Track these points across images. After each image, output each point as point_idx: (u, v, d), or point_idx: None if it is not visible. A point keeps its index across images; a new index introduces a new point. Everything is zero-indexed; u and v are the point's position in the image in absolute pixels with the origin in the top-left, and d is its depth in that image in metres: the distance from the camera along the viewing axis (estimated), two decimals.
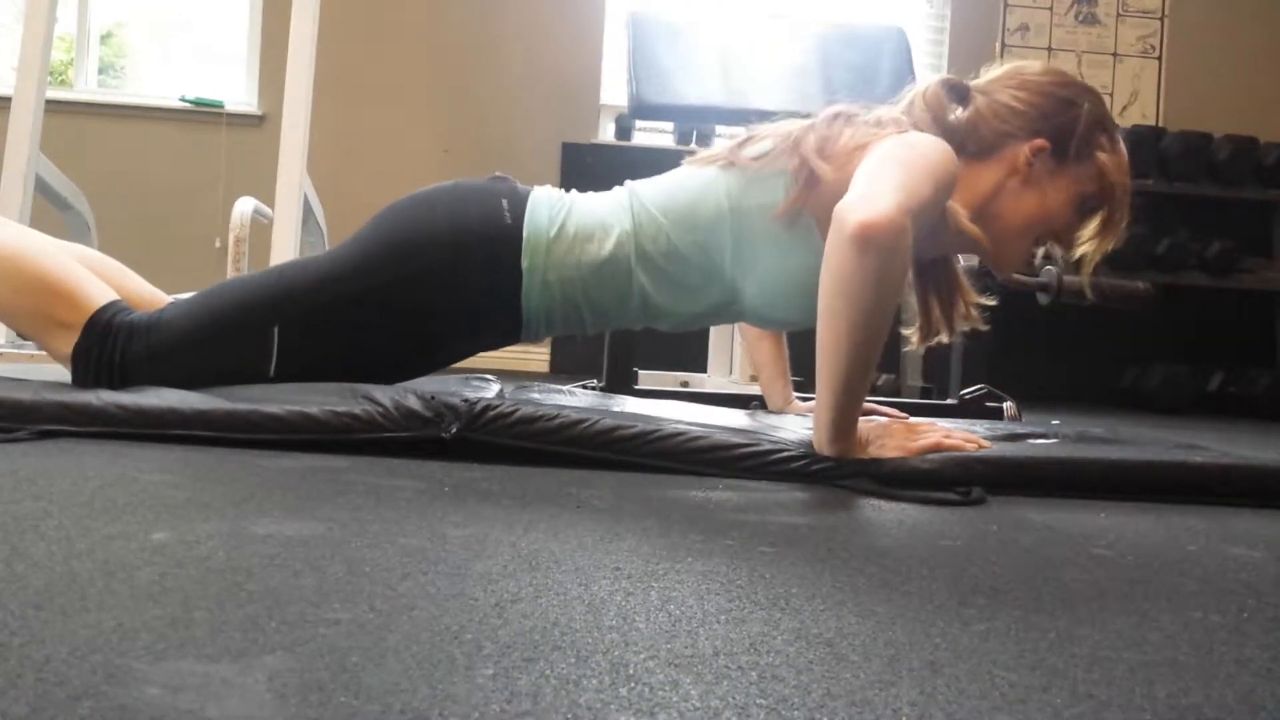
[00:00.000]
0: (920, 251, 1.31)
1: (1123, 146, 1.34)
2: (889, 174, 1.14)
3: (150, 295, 1.48)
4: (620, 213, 1.34)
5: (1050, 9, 4.51)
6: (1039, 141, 1.29)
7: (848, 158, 1.25)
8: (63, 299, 1.33)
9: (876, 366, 1.15)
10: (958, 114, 1.33)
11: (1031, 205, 1.32)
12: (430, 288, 1.32)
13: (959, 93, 1.35)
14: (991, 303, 1.46)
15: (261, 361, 1.31)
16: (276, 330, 1.31)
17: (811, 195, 1.27)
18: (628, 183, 1.41)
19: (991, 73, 1.37)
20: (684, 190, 1.35)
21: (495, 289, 1.33)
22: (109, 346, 1.31)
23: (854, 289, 1.09)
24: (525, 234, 1.32)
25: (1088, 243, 1.35)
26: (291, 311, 1.32)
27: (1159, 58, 4.55)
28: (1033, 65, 1.38)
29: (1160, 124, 4.40)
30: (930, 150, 1.21)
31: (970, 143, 1.31)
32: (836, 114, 1.32)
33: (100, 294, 1.35)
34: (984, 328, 1.46)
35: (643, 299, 1.35)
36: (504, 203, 1.34)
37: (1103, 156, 1.31)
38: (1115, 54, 4.54)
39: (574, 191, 1.41)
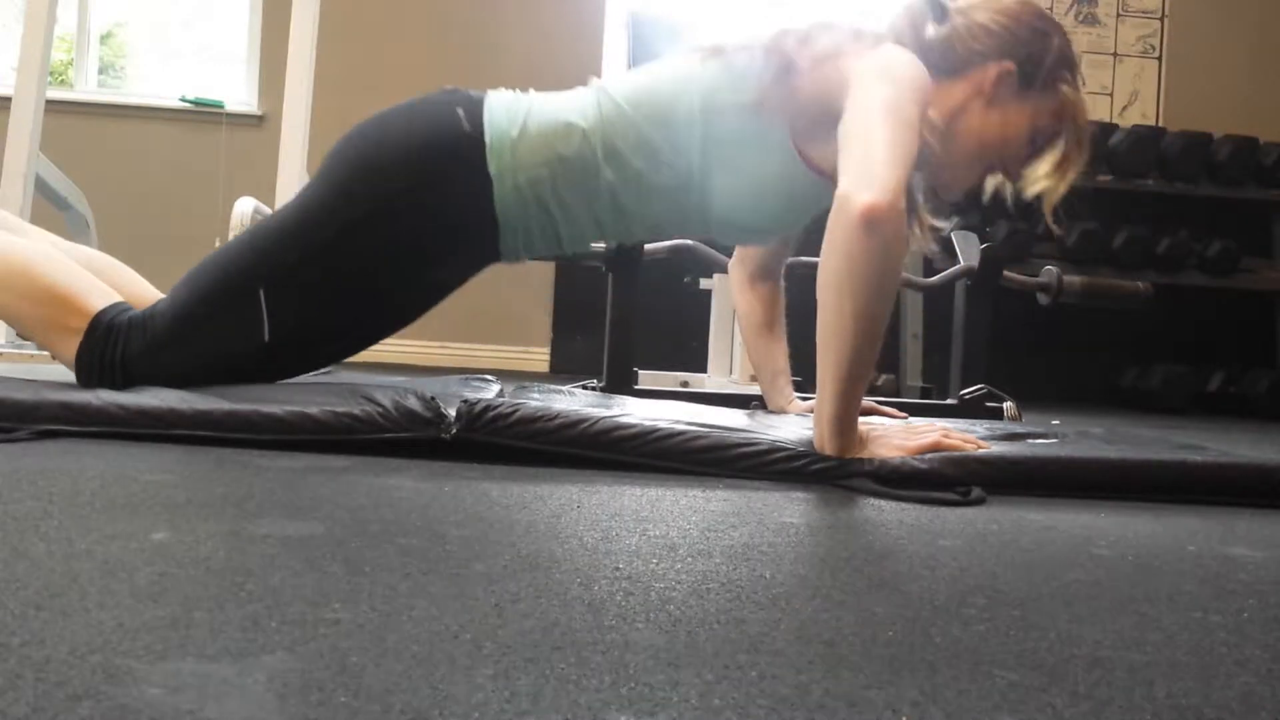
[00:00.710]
0: None
1: (1081, 90, 1.37)
2: (882, 135, 1.14)
3: (151, 295, 1.48)
4: (586, 108, 1.34)
5: (1050, 9, 4.51)
6: (1007, 64, 1.31)
7: (823, 61, 1.27)
8: (68, 305, 1.33)
9: (877, 359, 1.15)
10: (934, 30, 1.34)
11: (991, 128, 1.33)
12: (402, 211, 1.31)
13: (939, 10, 1.35)
14: (943, 226, 1.48)
15: (255, 329, 1.31)
16: (262, 293, 1.30)
17: (783, 91, 1.29)
18: (593, 80, 1.40)
19: None
20: (658, 83, 1.35)
21: (467, 198, 1.32)
22: (111, 346, 1.32)
23: (860, 270, 1.09)
24: (488, 138, 1.31)
25: (1044, 180, 1.36)
26: (272, 270, 1.31)
27: (1159, 58, 4.55)
28: None
29: (1160, 124, 4.40)
30: (906, 77, 1.22)
31: (943, 60, 1.32)
32: (817, 21, 1.33)
33: (101, 297, 1.36)
34: (933, 248, 1.50)
35: (611, 198, 1.35)
36: (459, 111, 1.33)
37: (1065, 90, 1.33)
38: (1115, 54, 4.54)
39: (532, 91, 1.40)
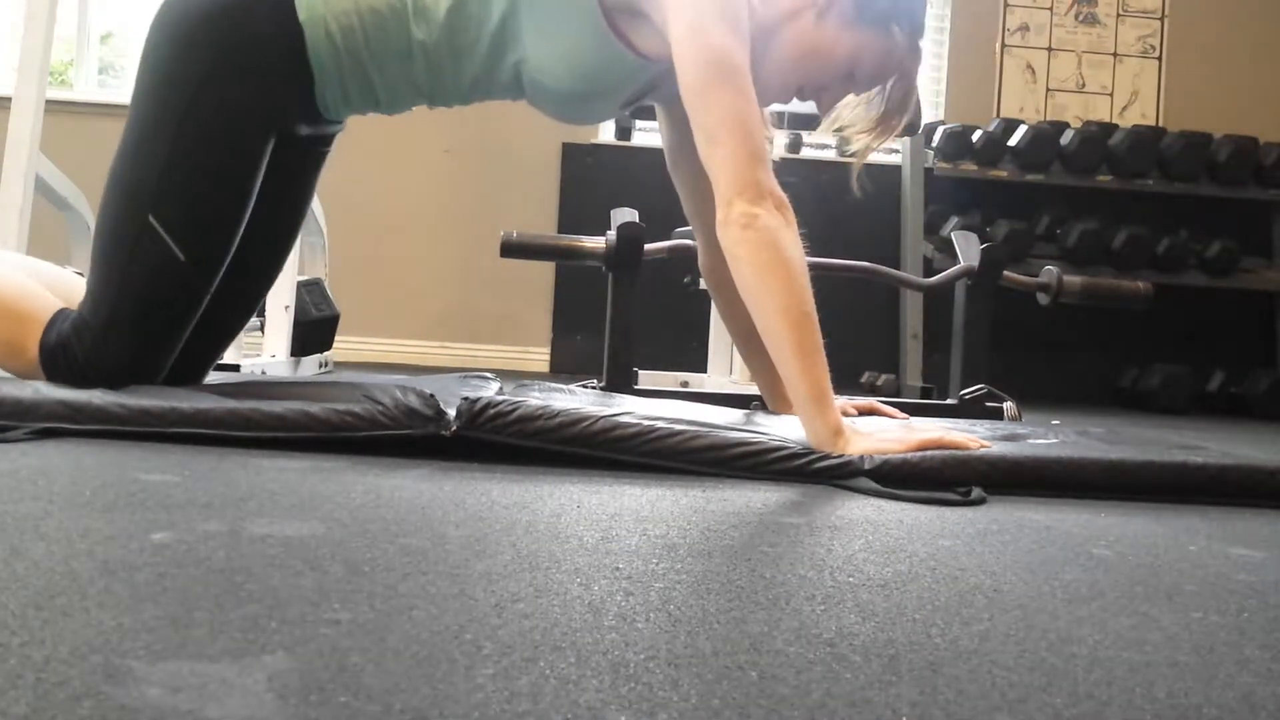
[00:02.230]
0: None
1: (919, 54, 1.38)
2: (727, 145, 1.21)
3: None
4: None
5: (1050, 9, 4.51)
6: None
7: None
8: (22, 322, 1.36)
9: (820, 327, 1.20)
10: None
11: (810, 41, 1.32)
12: (224, 77, 1.32)
13: None
14: (781, 139, 1.51)
15: (168, 257, 1.33)
16: (152, 218, 1.32)
17: None
18: None
19: None
20: None
21: (281, 50, 1.33)
22: (70, 354, 1.33)
23: (760, 268, 1.19)
24: None
25: (862, 134, 1.38)
26: (146, 192, 1.33)
27: (1159, 58, 4.55)
28: None
29: (1160, 124, 4.40)
30: (716, 13, 1.23)
31: None
32: None
33: (44, 307, 1.38)
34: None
35: (424, 56, 1.35)
36: None
37: (897, 37, 1.33)
38: (1115, 54, 4.54)
39: None
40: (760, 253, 1.19)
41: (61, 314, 1.37)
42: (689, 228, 1.70)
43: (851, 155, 1.42)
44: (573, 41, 1.32)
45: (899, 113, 1.37)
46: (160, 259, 1.33)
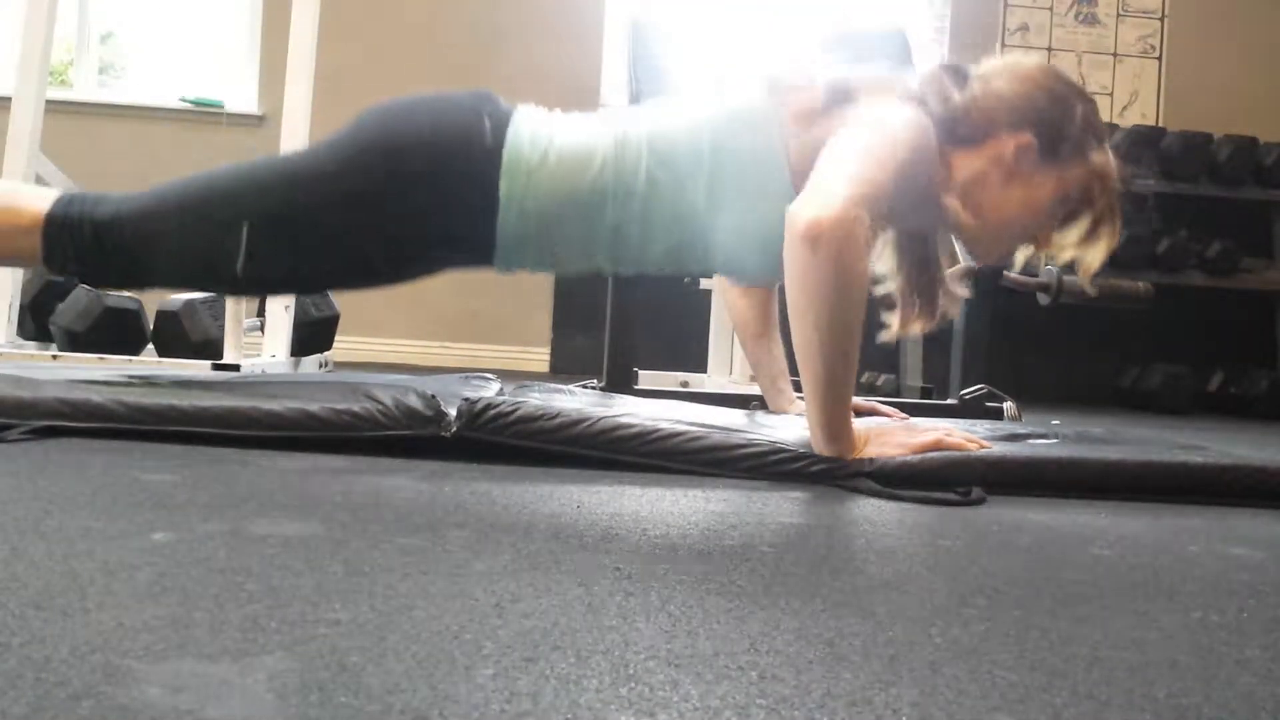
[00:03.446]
0: (905, 224, 1.35)
1: (1112, 156, 1.33)
2: (844, 164, 1.15)
3: None
4: (607, 148, 1.32)
5: (1050, 9, 4.51)
6: (1025, 138, 1.27)
7: (832, 110, 1.26)
8: (12, 210, 1.34)
9: (857, 362, 1.16)
10: (955, 97, 1.31)
11: (1013, 200, 1.30)
12: (407, 200, 1.31)
13: (959, 77, 1.33)
14: (965, 294, 1.47)
15: (229, 261, 1.31)
16: (246, 226, 1.30)
17: (791, 137, 1.27)
18: (615, 112, 1.40)
19: (992, 62, 1.36)
20: (675, 119, 1.34)
21: (471, 208, 1.31)
22: (80, 228, 1.31)
23: (812, 287, 1.11)
24: (505, 158, 1.30)
25: (1074, 248, 1.34)
26: (262, 208, 1.31)
27: (1159, 58, 4.55)
28: (1031, 59, 1.38)
29: (1160, 124, 4.39)
30: (898, 125, 1.21)
31: (962, 128, 1.30)
32: (839, 67, 1.32)
33: (46, 192, 1.38)
34: (952, 315, 1.47)
35: (614, 234, 1.33)
36: (486, 122, 1.32)
37: (1094, 159, 1.30)
38: (1115, 54, 4.54)
39: (558, 112, 1.39)
40: (815, 274, 1.11)
41: (80, 195, 1.36)
42: None
43: (1070, 268, 1.36)
44: (768, 222, 1.26)
45: (1109, 218, 1.32)
46: (217, 251, 1.31)
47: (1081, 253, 1.34)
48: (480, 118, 1.32)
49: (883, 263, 1.43)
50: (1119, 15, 4.55)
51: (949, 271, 1.46)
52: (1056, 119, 1.29)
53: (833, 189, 1.12)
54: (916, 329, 1.44)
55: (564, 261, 1.39)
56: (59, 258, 1.33)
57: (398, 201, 1.31)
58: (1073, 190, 1.31)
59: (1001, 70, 1.33)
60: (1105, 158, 1.32)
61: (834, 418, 1.14)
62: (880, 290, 1.43)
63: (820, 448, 1.16)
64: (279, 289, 1.40)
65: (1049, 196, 1.31)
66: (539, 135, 1.32)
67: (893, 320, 1.44)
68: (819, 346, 1.12)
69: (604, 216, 1.32)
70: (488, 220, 1.31)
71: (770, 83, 1.32)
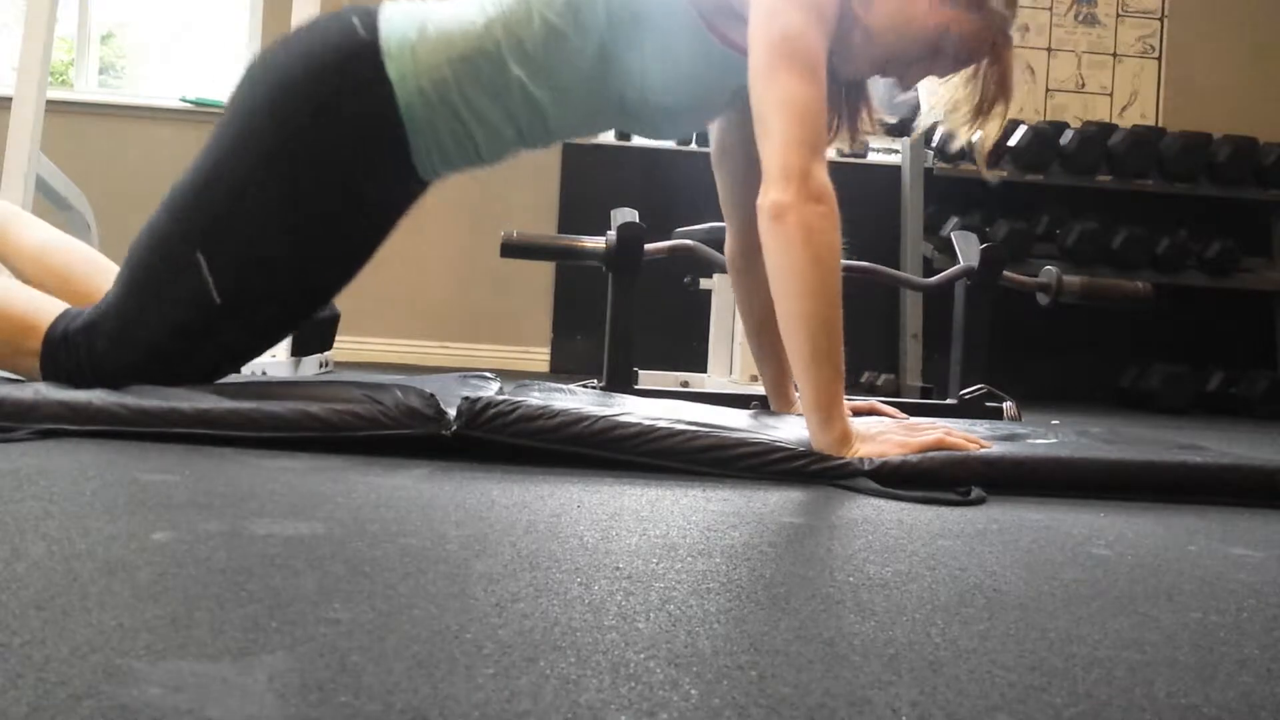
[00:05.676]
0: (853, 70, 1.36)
1: (1010, 40, 1.32)
2: (779, 127, 1.18)
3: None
4: (486, 4, 1.31)
5: (1050, 9, 4.50)
6: None
7: None
8: (19, 328, 1.33)
9: (842, 339, 1.18)
10: None
11: (903, 13, 1.28)
12: (312, 131, 1.29)
13: None
14: (892, 120, 1.47)
15: (203, 294, 1.28)
16: (201, 257, 1.28)
17: None
18: None
19: None
20: None
21: (373, 109, 1.29)
22: (74, 355, 1.30)
23: (788, 261, 1.17)
24: (384, 43, 1.28)
25: (963, 122, 1.35)
26: (203, 230, 1.29)
27: (1159, 58, 4.55)
28: None
29: (1160, 124, 4.39)
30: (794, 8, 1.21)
31: None
32: None
33: (49, 309, 1.34)
34: (873, 135, 1.49)
35: (522, 94, 1.31)
36: (354, 20, 1.31)
37: (995, 9, 1.28)
38: (1115, 54, 4.54)
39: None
40: (788, 249, 1.16)
41: (70, 311, 1.34)
42: (689, 228, 1.70)
43: (938, 148, 1.40)
44: (675, 53, 1.29)
45: (998, 94, 1.33)
46: (191, 294, 1.28)
47: (977, 126, 1.36)
48: (348, 18, 1.32)
49: None
50: (1119, 15, 4.55)
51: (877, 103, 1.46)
52: None
53: (780, 164, 1.17)
54: (834, 147, 1.44)
55: (484, 144, 1.35)
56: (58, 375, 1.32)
57: (306, 140, 1.29)
58: (960, 36, 1.29)
59: None
60: (1003, 28, 1.31)
61: (826, 395, 1.16)
62: None
63: (815, 432, 1.17)
64: (274, 299, 1.35)
65: (933, 27, 1.28)
66: (412, 14, 1.32)
67: None
68: (801, 319, 1.16)
69: (506, 77, 1.30)
70: (390, 113, 1.29)
71: None
